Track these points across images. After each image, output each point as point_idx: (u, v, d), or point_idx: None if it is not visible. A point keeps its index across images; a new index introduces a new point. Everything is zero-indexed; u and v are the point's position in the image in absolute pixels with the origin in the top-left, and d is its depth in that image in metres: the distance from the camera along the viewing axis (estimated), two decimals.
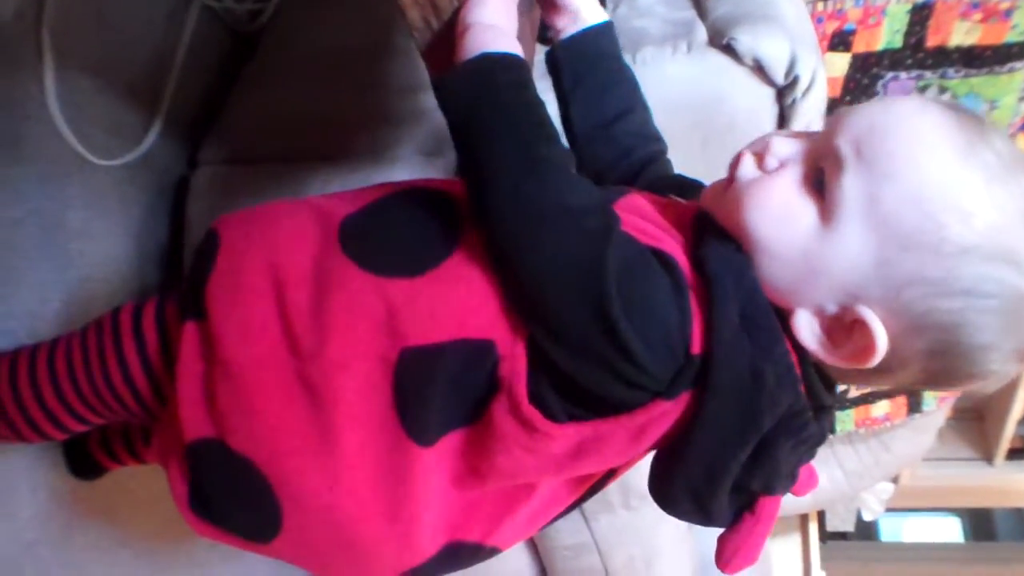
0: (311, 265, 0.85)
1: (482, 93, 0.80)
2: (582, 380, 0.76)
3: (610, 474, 0.91)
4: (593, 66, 1.04)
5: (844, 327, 0.77)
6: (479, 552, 0.90)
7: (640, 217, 0.83)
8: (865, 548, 4.48)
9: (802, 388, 0.78)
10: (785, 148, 0.81)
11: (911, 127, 0.75)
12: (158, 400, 0.96)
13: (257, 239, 0.88)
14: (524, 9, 0.94)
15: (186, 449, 0.85)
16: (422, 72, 0.96)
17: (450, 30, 0.90)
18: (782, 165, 0.80)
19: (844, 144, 0.76)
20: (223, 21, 1.70)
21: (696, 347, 0.74)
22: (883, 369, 0.77)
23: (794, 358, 0.78)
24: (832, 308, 0.77)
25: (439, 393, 0.80)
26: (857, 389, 1.50)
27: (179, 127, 1.58)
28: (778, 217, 0.78)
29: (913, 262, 0.73)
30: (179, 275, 1.52)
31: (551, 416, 0.78)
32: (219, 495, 0.86)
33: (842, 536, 3.92)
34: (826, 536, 3.73)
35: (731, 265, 0.78)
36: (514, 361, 0.78)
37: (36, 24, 1.26)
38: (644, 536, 1.65)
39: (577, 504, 0.95)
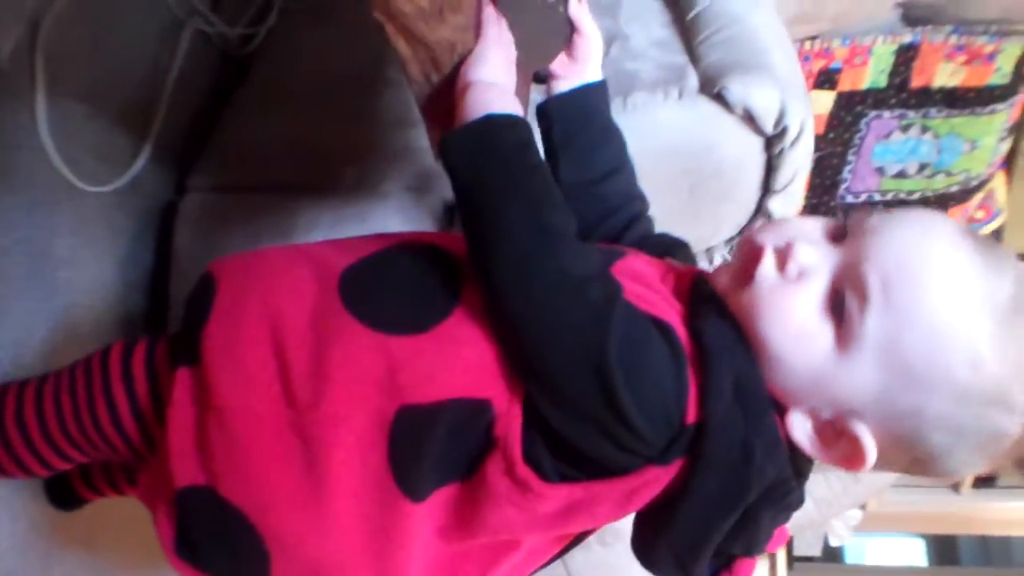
0: (310, 317, 0.84)
1: (488, 155, 0.81)
2: (578, 443, 0.77)
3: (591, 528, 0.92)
4: (585, 125, 1.04)
5: (836, 431, 0.80)
6: None
7: (638, 283, 0.84)
8: (830, 570, 4.51)
9: (787, 458, 0.80)
10: (810, 258, 0.81)
11: (941, 272, 0.76)
12: (147, 444, 0.95)
13: (255, 287, 0.88)
14: (522, 61, 0.95)
15: (175, 495, 0.84)
16: (413, 108, 0.96)
17: (449, 85, 0.91)
18: (803, 275, 0.80)
19: (872, 277, 0.76)
20: (215, 45, 1.69)
21: (691, 417, 0.76)
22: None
23: (781, 431, 0.80)
24: (827, 415, 0.80)
25: (434, 450, 0.79)
26: None
27: (169, 152, 1.58)
28: (796, 335, 0.79)
29: (916, 398, 0.76)
30: (166, 307, 1.51)
31: (544, 476, 0.78)
32: (207, 542, 0.85)
33: (808, 559, 3.95)
34: (792, 561, 3.75)
35: (727, 340, 0.79)
36: (510, 420, 0.78)
37: (30, 52, 1.26)
38: (618, 572, 1.67)
39: (559, 556, 0.95)
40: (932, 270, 0.77)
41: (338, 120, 1.57)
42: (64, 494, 1.29)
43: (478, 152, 0.81)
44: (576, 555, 1.60)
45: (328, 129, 1.56)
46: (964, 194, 2.23)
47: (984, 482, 3.50)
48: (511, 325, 0.77)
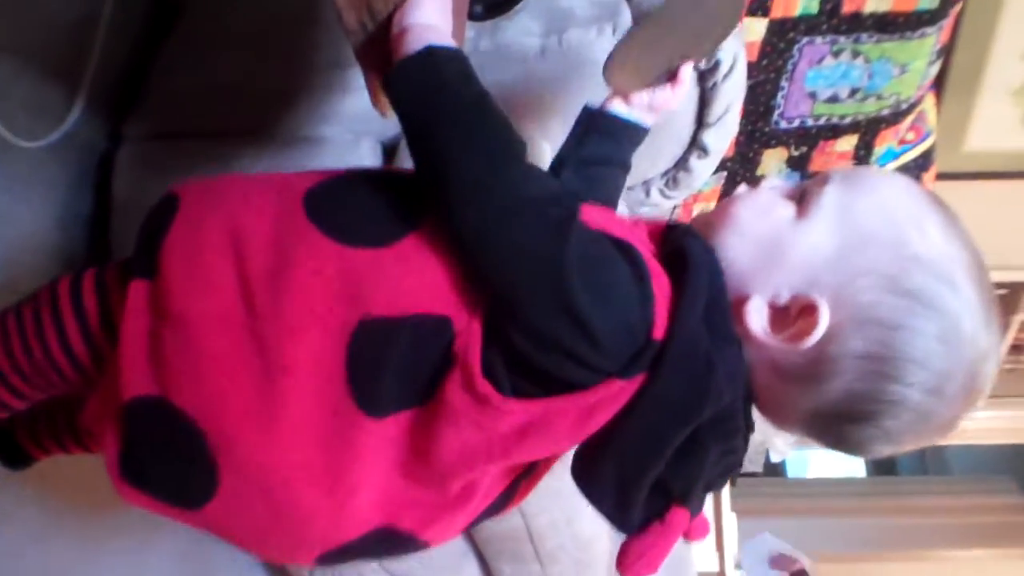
0: (273, 227, 0.85)
1: (433, 85, 0.82)
2: (540, 360, 0.78)
3: (531, 469, 0.93)
4: (614, 152, 1.09)
5: (790, 319, 0.83)
6: (410, 544, 0.91)
7: (604, 216, 0.87)
8: (772, 485, 4.63)
9: (743, 391, 0.84)
10: (778, 181, 0.91)
11: (894, 178, 0.88)
12: (95, 365, 0.94)
13: (218, 203, 0.89)
14: (456, 4, 0.95)
15: (123, 408, 0.84)
16: (348, 49, 0.96)
17: (384, 32, 0.91)
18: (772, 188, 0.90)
19: (834, 173, 0.86)
20: None
21: (658, 332, 0.78)
22: (813, 375, 0.83)
23: (740, 363, 0.84)
24: (785, 296, 0.83)
25: (393, 365, 0.80)
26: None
27: (103, 102, 1.55)
28: (758, 206, 0.88)
29: (871, 255, 0.81)
30: (107, 259, 1.50)
31: (503, 392, 0.79)
32: (154, 454, 0.85)
33: (751, 475, 4.05)
34: (735, 478, 3.84)
35: (709, 263, 0.83)
36: (469, 337, 0.79)
37: None
38: (565, 498, 1.70)
39: (502, 498, 0.95)
40: (889, 176, 0.88)
41: (273, 63, 1.55)
42: (12, 452, 1.29)
43: (423, 83, 0.82)
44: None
45: (263, 73, 1.54)
46: (895, 116, 2.26)
47: None
48: (469, 248, 0.78)
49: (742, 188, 0.93)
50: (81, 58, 1.50)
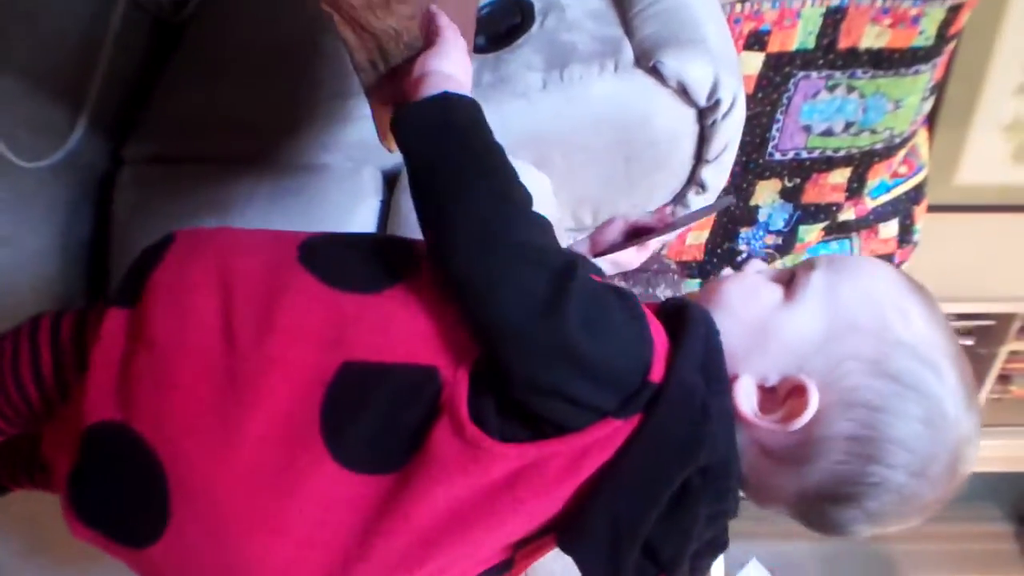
0: (263, 267, 0.85)
1: (446, 129, 0.82)
2: (534, 402, 0.76)
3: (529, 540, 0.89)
4: None
5: (778, 400, 0.83)
6: None
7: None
8: (748, 507, 4.61)
9: (734, 448, 0.83)
10: (763, 265, 0.92)
11: (878, 264, 0.89)
12: (59, 392, 0.94)
13: (211, 242, 0.89)
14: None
15: (83, 433, 0.82)
16: (350, 78, 0.96)
17: (398, 76, 0.92)
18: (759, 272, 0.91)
19: (820, 259, 0.88)
20: (149, 12, 1.67)
21: (656, 375, 0.77)
22: (800, 455, 0.82)
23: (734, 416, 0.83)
24: (773, 379, 0.83)
25: (373, 415, 0.78)
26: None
27: (105, 124, 1.56)
28: (747, 289, 0.88)
29: (856, 340, 0.81)
30: (106, 280, 1.51)
31: (493, 436, 0.77)
32: (106, 481, 0.82)
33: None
34: None
35: (707, 320, 0.84)
36: (456, 385, 0.77)
37: None
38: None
39: (497, 569, 0.90)
40: (872, 263, 0.89)
41: (274, 90, 1.56)
42: None
43: (433, 124, 0.82)
44: None
45: (264, 100, 1.55)
46: (888, 150, 2.29)
47: None
48: (467, 290, 0.77)
49: (727, 271, 0.94)
50: (84, 79, 1.52)
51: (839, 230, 2.45)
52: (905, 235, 2.54)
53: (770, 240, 2.37)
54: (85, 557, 1.53)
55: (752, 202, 2.30)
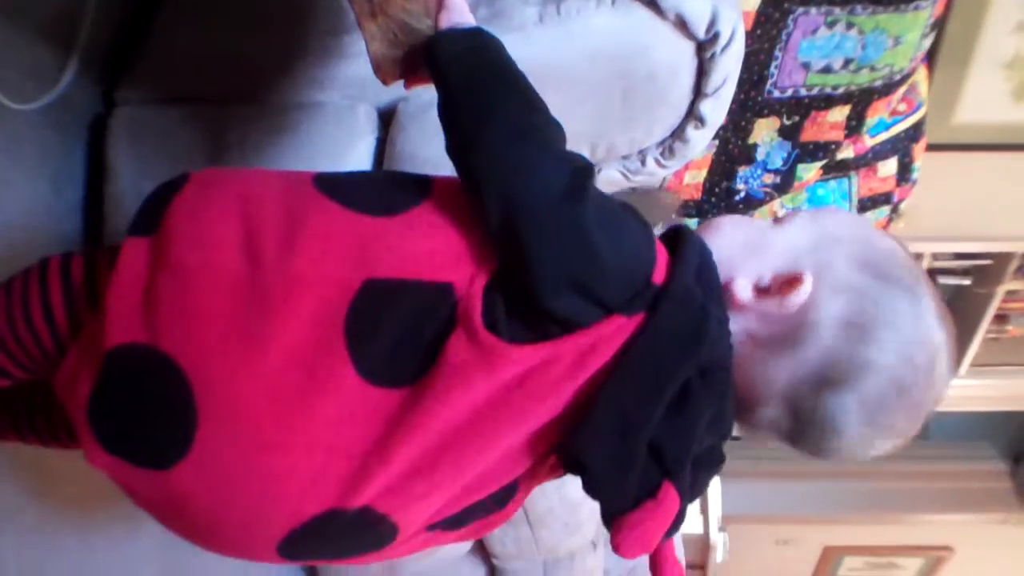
0: (284, 197, 0.89)
1: (482, 50, 0.92)
2: (547, 300, 0.81)
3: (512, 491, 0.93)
4: None
5: (773, 294, 0.90)
6: (380, 528, 0.88)
7: None
8: (754, 447, 4.65)
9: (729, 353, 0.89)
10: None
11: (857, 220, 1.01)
12: (72, 330, 0.95)
13: (229, 177, 0.94)
14: None
15: (104, 355, 0.84)
16: (346, 14, 0.98)
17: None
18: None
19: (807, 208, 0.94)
20: None
21: (658, 278, 0.84)
22: (794, 339, 0.89)
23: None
24: (767, 278, 0.91)
25: (394, 329, 0.82)
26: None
27: (96, 65, 1.54)
28: (738, 218, 1.00)
29: (841, 248, 0.92)
30: (101, 222, 1.50)
31: (505, 340, 0.82)
32: (132, 400, 0.84)
33: (734, 439, 4.08)
34: None
35: (701, 242, 0.91)
36: (470, 300, 0.82)
37: None
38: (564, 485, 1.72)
39: (502, 494, 0.92)
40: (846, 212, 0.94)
41: (268, 28, 1.53)
42: None
43: (472, 49, 0.92)
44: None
45: (258, 38, 1.53)
46: (887, 88, 2.26)
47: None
48: (497, 178, 0.82)
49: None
50: (74, 19, 1.49)
51: (837, 168, 2.43)
52: (904, 173, 2.53)
53: (768, 179, 2.35)
54: (90, 498, 1.54)
55: (750, 140, 2.28)
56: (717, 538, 3.67)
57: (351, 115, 1.49)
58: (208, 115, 1.50)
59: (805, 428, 0.89)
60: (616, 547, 0.85)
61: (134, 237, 0.88)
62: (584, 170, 0.84)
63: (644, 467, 0.83)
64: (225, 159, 1.45)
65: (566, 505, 1.96)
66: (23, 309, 0.96)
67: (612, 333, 0.82)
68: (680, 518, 0.86)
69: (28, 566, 1.42)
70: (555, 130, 0.88)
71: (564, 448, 0.83)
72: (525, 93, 0.89)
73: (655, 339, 0.82)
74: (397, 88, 1.02)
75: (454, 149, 0.88)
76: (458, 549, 2.17)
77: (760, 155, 2.31)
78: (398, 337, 0.83)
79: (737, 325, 0.90)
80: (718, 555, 3.73)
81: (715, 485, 3.56)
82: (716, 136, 2.12)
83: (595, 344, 0.82)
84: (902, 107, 2.41)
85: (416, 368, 0.83)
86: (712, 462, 0.90)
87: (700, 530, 3.60)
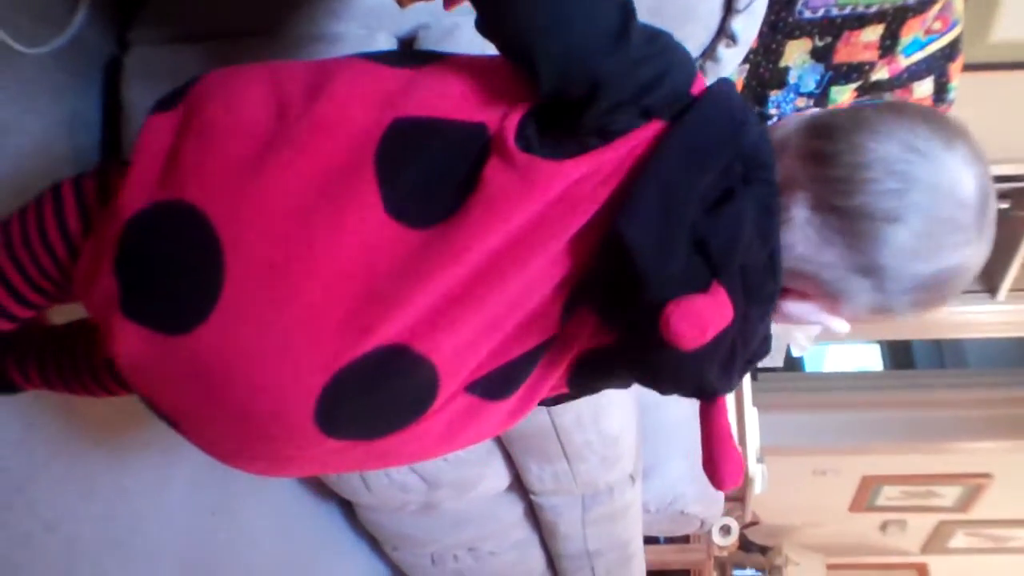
0: (310, 66, 0.90)
1: None
2: (593, 111, 0.82)
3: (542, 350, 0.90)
4: None
5: None
6: (420, 371, 0.84)
7: None
8: (791, 379, 4.66)
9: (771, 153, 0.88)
10: None
11: None
12: (84, 229, 0.96)
13: (251, 64, 0.93)
14: None
15: (126, 225, 0.83)
16: None
17: None
18: None
19: None
20: None
21: (696, 90, 0.86)
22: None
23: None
24: None
25: (424, 165, 0.83)
26: None
27: (108, 6, 1.51)
28: None
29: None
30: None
31: (544, 157, 0.83)
32: (156, 256, 0.83)
33: (771, 371, 4.07)
34: (756, 373, 3.86)
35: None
36: (502, 132, 0.83)
37: None
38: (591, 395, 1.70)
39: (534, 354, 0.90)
40: None
41: None
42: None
43: None
44: None
45: None
46: (922, 5, 2.20)
47: None
48: (553, 48, 0.81)
49: None
50: None
51: (872, 90, 2.37)
52: (940, 94, 2.46)
53: (801, 103, 2.30)
54: (122, 444, 1.54)
55: (781, 63, 2.22)
56: (756, 469, 3.66)
57: (370, 45, 1.45)
58: (224, 51, 1.47)
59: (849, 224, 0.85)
60: (667, 330, 0.78)
61: (158, 114, 0.87)
62: (625, 4, 0.83)
63: (690, 262, 0.80)
64: None
65: (603, 438, 1.95)
66: (38, 225, 0.96)
67: (652, 135, 0.83)
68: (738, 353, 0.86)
69: (63, 511, 1.42)
70: None
71: (609, 234, 0.81)
72: None
73: (696, 123, 0.83)
74: (416, 15, 0.99)
75: (493, 20, 0.85)
76: (497, 484, 2.17)
77: (792, 78, 2.26)
78: (429, 175, 0.83)
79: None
80: (757, 486, 3.73)
81: (753, 417, 3.54)
82: (746, 60, 2.08)
83: (635, 147, 0.83)
84: (937, 25, 2.34)
85: (449, 205, 0.82)
86: (763, 346, 0.90)
87: None
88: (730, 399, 3.48)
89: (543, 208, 0.82)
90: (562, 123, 0.83)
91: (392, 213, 0.81)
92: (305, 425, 0.83)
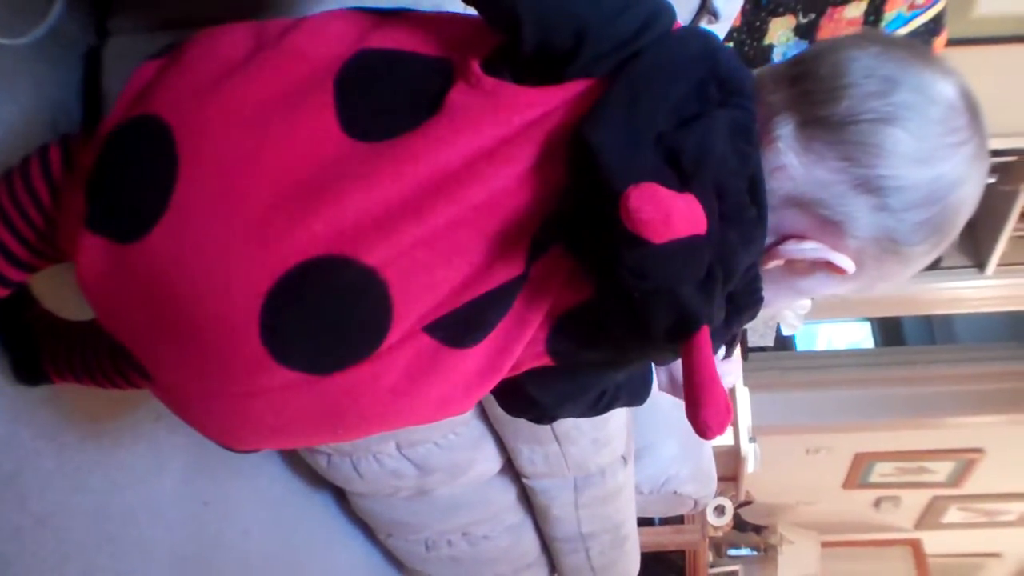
0: (292, 19, 0.92)
1: None
2: (581, 58, 0.82)
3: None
4: None
5: None
6: (366, 283, 0.81)
7: None
8: (782, 358, 4.67)
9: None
10: None
11: None
12: (67, 168, 1.00)
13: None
14: None
15: (102, 143, 0.87)
16: None
17: None
18: None
19: None
20: None
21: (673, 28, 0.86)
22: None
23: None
24: None
25: (384, 86, 0.85)
26: None
27: None
28: None
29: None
30: None
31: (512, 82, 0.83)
32: (118, 168, 0.86)
33: (761, 350, 4.07)
34: (747, 352, 3.87)
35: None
36: (470, 61, 0.84)
37: None
38: None
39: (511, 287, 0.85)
40: None
41: None
42: (32, 373, 1.33)
43: None
44: None
45: None
46: None
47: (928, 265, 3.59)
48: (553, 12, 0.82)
49: None
50: None
51: None
52: None
53: None
54: (111, 436, 1.54)
55: (765, 41, 2.23)
56: (748, 449, 3.67)
57: None
58: None
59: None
60: (626, 213, 0.72)
61: (148, 61, 0.92)
62: None
63: (660, 170, 0.77)
64: None
65: (594, 420, 1.94)
66: (23, 176, 1.00)
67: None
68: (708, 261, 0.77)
69: (53, 505, 1.41)
70: None
71: (573, 141, 0.79)
72: None
73: (668, 43, 0.83)
74: None
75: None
76: (489, 468, 2.17)
77: (776, 56, 2.26)
78: (390, 96, 0.85)
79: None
80: (749, 466, 3.74)
81: (744, 397, 3.55)
82: (730, 38, 2.07)
83: (614, 76, 0.82)
84: (921, 0, 2.34)
85: (405, 126, 0.82)
86: (750, 303, 0.85)
87: (731, 441, 3.61)
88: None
89: (509, 132, 0.81)
90: (538, 71, 0.83)
91: (344, 126, 0.82)
92: (252, 339, 0.81)
